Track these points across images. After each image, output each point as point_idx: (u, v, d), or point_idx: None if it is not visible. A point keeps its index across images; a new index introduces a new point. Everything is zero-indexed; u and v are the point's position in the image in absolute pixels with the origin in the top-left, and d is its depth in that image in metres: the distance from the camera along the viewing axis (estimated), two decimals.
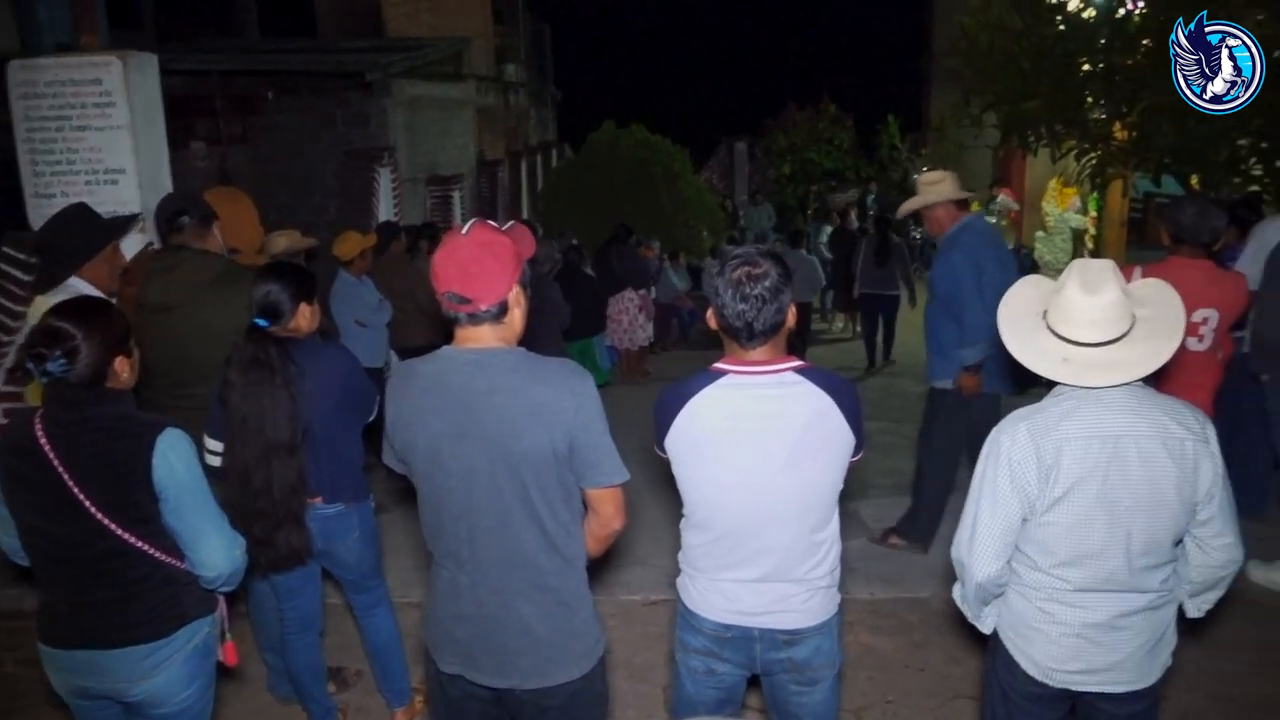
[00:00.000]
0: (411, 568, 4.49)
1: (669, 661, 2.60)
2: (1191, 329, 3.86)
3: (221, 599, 2.56)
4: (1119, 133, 7.88)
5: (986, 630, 2.49)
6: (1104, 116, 7.93)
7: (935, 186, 4.65)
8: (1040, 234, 15.05)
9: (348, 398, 3.22)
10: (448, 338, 2.22)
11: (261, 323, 3.00)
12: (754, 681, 2.54)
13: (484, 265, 2.08)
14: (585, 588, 2.30)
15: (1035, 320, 2.31)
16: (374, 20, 15.17)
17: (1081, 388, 2.20)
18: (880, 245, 10.23)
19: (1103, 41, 7.55)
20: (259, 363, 2.94)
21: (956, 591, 2.50)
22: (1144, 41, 7.30)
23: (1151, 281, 2.36)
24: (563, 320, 7.25)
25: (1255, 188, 6.90)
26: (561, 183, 16.84)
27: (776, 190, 22.58)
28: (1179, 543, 2.29)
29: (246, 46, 12.92)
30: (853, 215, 15.67)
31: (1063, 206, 14.85)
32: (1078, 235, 14.76)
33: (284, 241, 5.26)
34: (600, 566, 4.42)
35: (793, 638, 2.36)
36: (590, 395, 2.14)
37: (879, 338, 10.49)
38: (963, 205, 4.70)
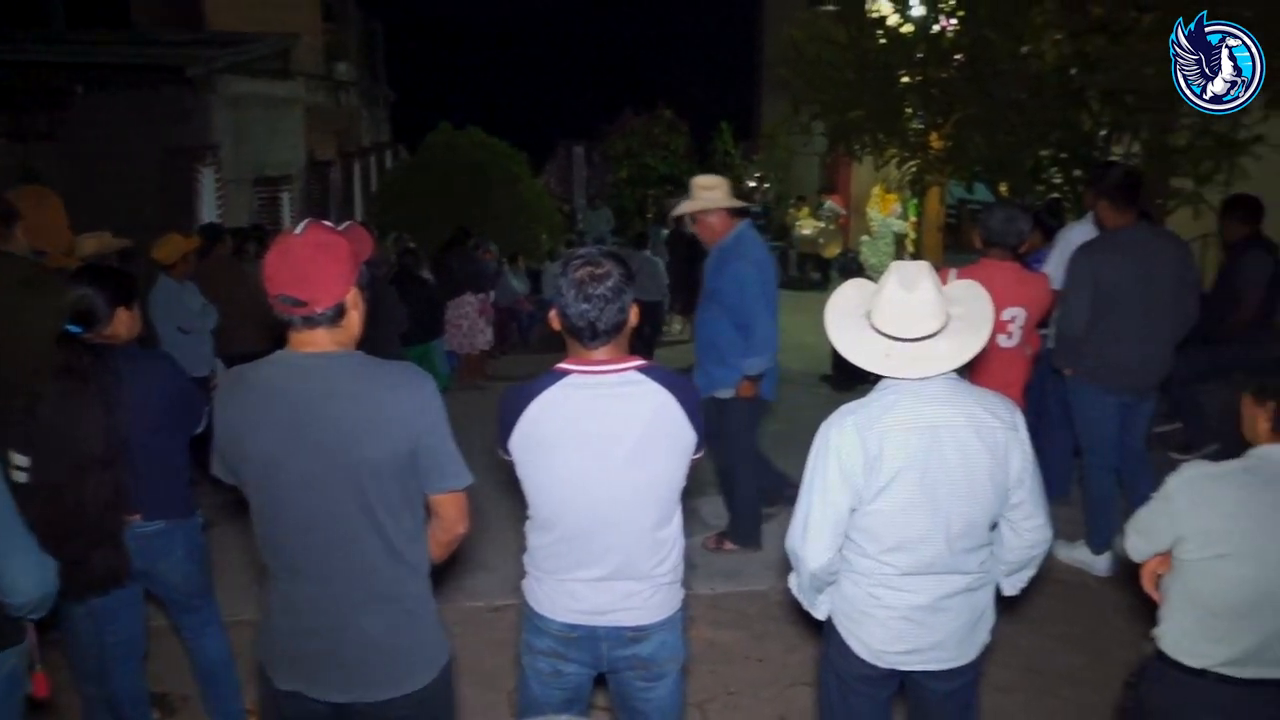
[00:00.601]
0: (244, 584, 4.30)
1: (515, 666, 2.59)
2: (1001, 326, 4.10)
3: (31, 627, 2.38)
4: (935, 142, 8.31)
5: (821, 617, 2.59)
6: (922, 127, 8.35)
7: (710, 192, 4.58)
8: (865, 238, 15.76)
9: (171, 408, 3.07)
10: (279, 344, 2.14)
11: (75, 329, 2.82)
12: (600, 680, 2.56)
13: (320, 266, 2.02)
14: (429, 595, 2.26)
15: (860, 319, 2.42)
16: (194, 13, 14.42)
17: (902, 381, 2.32)
18: None
19: (920, 56, 7.95)
20: (71, 371, 2.76)
21: (792, 581, 2.59)
22: (956, 56, 7.74)
23: (964, 282, 2.52)
24: (400, 324, 7.11)
25: (1056, 195, 7.43)
26: (396, 185, 16.49)
27: (614, 194, 22.82)
28: (994, 526, 2.44)
29: (51, 36, 12.08)
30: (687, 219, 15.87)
31: (885, 212, 15.62)
32: (899, 239, 15.54)
33: (93, 244, 4.94)
34: (443, 573, 4.34)
35: (638, 634, 2.40)
36: (432, 398, 2.11)
37: None
38: (735, 214, 4.64)
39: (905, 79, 8.14)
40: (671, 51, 37.05)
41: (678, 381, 2.34)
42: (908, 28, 8.11)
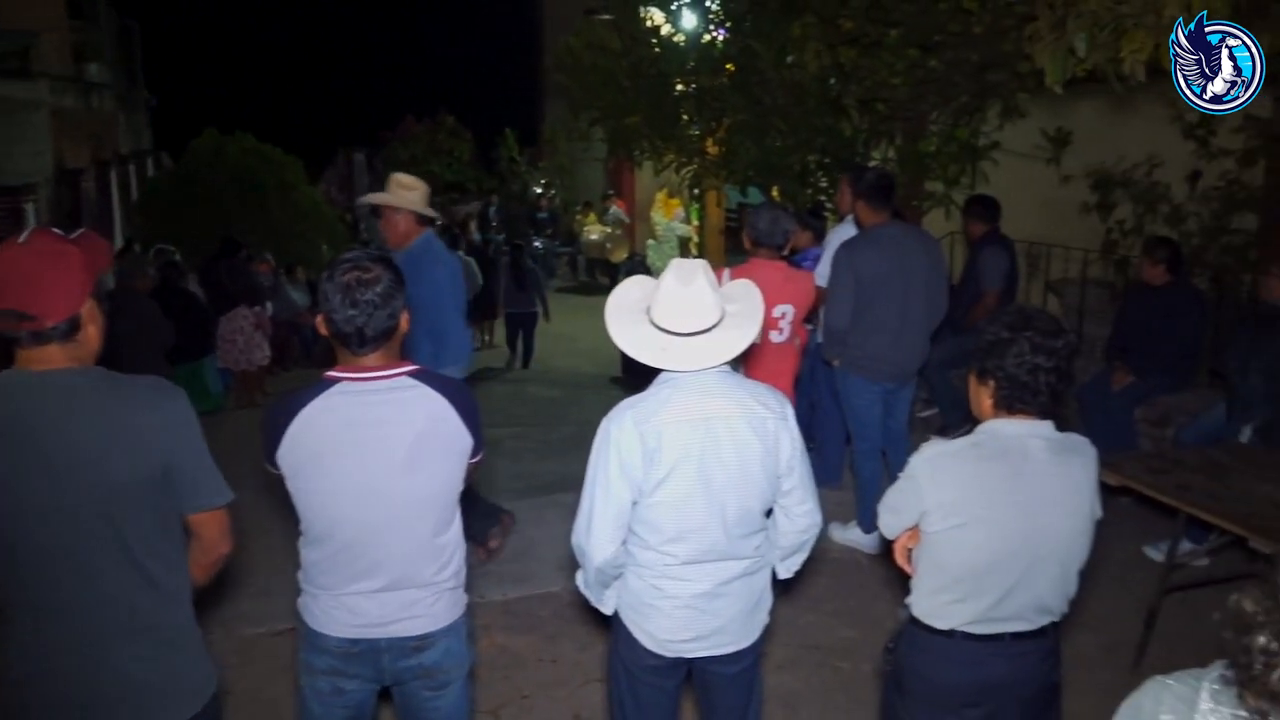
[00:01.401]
0: None
1: (298, 691, 2.48)
2: (772, 323, 4.30)
3: None
4: (711, 148, 8.60)
5: (608, 611, 2.63)
6: (697, 132, 8.63)
7: (407, 192, 4.49)
8: (651, 242, 16.14)
9: None
10: (10, 363, 1.97)
11: None
12: (384, 693, 2.50)
13: (49, 277, 1.87)
14: (192, 623, 2.13)
15: (640, 315, 2.47)
16: None
17: (678, 375, 2.39)
18: (516, 271, 12.10)
19: (692, 64, 8.21)
20: None
21: (579, 578, 2.62)
22: (726, 65, 8.04)
23: (739, 281, 2.64)
24: (165, 341, 6.69)
25: (822, 197, 7.85)
26: (160, 194, 15.45)
27: None
28: (769, 513, 2.55)
29: None
30: (472, 226, 15.94)
31: (669, 216, 16.05)
32: (684, 242, 16.01)
33: None
34: (217, 599, 4.13)
35: (422, 643, 2.36)
36: (182, 412, 2.00)
37: (519, 349, 12.24)
38: (424, 222, 4.52)
39: (680, 86, 8.39)
40: (453, 58, 36.50)
41: (451, 386, 2.32)
42: (680, 37, 8.35)
